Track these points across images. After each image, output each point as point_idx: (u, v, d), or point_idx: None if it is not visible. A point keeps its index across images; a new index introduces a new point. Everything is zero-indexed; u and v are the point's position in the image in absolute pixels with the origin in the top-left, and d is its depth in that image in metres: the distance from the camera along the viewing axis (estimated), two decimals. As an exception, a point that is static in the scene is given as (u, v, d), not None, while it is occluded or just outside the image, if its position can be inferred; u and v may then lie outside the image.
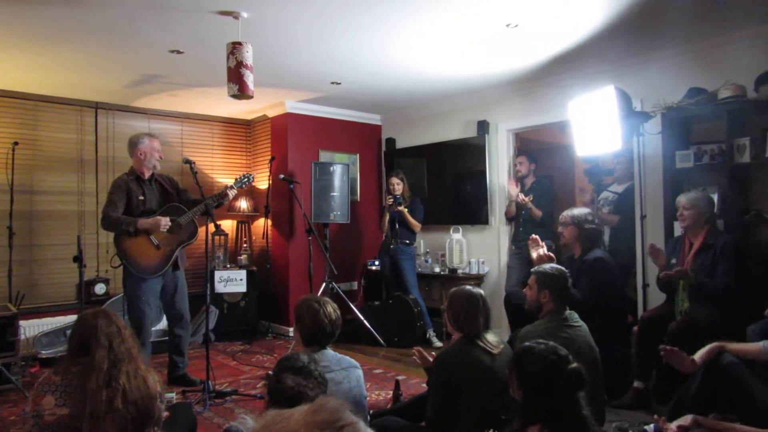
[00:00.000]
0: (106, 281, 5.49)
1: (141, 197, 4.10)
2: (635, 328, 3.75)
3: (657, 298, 3.95)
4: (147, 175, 4.19)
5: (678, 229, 3.85)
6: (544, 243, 3.81)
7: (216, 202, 4.14)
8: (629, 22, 3.68)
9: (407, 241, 5.65)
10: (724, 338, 2.79)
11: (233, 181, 4.38)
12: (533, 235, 3.88)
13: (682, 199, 3.60)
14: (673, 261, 3.68)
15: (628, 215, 4.51)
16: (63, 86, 5.14)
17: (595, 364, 2.67)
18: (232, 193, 4.26)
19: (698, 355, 2.62)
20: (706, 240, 3.49)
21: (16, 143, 5.01)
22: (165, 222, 4.00)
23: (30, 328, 4.95)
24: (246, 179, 4.43)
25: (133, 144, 4.18)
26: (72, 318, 5.05)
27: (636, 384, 3.56)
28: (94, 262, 5.53)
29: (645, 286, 4.11)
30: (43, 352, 4.88)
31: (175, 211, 4.12)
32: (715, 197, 3.76)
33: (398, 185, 5.68)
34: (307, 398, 1.73)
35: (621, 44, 4.14)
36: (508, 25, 3.75)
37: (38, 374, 4.54)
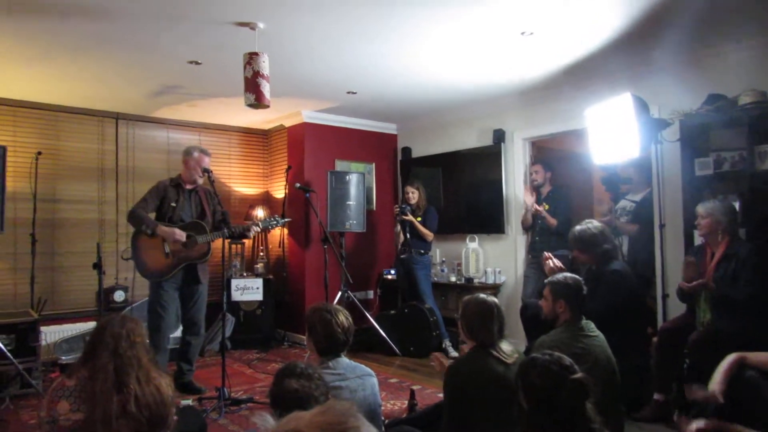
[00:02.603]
0: (125, 289, 5.56)
1: (173, 204, 4.21)
2: (655, 339, 3.69)
3: (677, 308, 3.88)
4: (188, 185, 4.29)
5: (698, 239, 3.78)
6: (558, 253, 3.77)
7: (238, 233, 4.21)
8: (645, 28, 3.66)
9: (421, 251, 5.63)
10: (747, 350, 2.72)
11: (262, 219, 4.39)
12: (545, 253, 3.82)
13: (700, 209, 3.54)
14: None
15: (646, 224, 4.45)
16: (85, 97, 5.25)
17: (613, 375, 2.63)
18: (255, 230, 4.31)
19: (718, 380, 2.52)
20: (728, 249, 3.41)
21: (39, 153, 5.14)
22: (180, 235, 4.07)
23: (51, 333, 5.02)
24: (275, 222, 4.43)
25: (185, 153, 4.32)
26: (91, 325, 5.13)
27: (656, 396, 3.49)
28: (113, 270, 5.60)
29: (665, 296, 4.05)
30: (63, 357, 4.95)
31: (197, 228, 4.20)
32: (737, 205, 3.69)
33: (413, 194, 5.68)
34: (314, 399, 1.73)
35: (637, 51, 4.11)
36: (523, 33, 3.74)
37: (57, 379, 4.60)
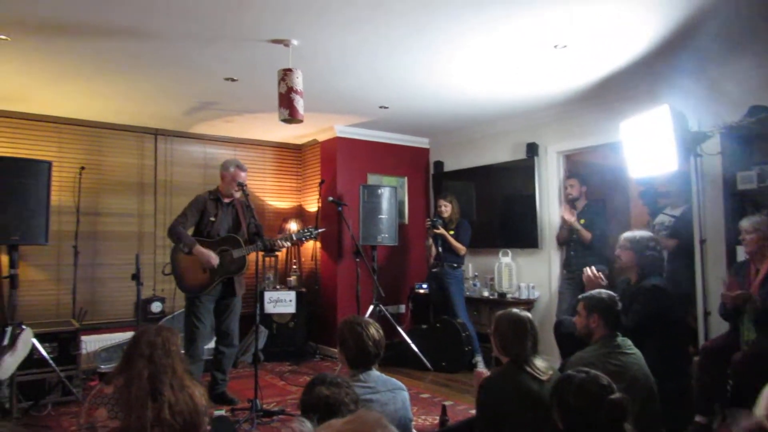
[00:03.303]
0: (162, 300, 5.68)
1: (212, 218, 4.32)
2: (696, 358, 3.57)
3: (720, 327, 3.75)
4: (226, 199, 4.39)
5: (741, 254, 3.66)
6: (597, 267, 3.69)
7: (271, 246, 4.27)
8: (682, 39, 3.59)
9: (453, 264, 5.58)
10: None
11: (297, 231, 4.44)
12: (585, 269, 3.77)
13: (745, 223, 3.42)
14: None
15: (686, 240, 4.32)
16: (126, 114, 5.43)
17: (651, 394, 2.56)
18: (286, 244, 4.38)
19: (764, 405, 2.42)
20: (775, 266, 3.29)
21: (82, 168, 5.34)
22: (214, 261, 4.16)
23: (91, 343, 5.15)
24: (308, 233, 4.48)
25: (223, 167, 4.42)
26: (129, 334, 5.25)
27: (698, 419, 3.36)
28: (151, 281, 5.74)
29: (706, 314, 3.92)
30: (102, 366, 5.07)
31: (232, 242, 4.28)
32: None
33: (446, 207, 5.66)
34: (345, 405, 1.73)
35: (674, 62, 4.03)
36: (556, 47, 3.72)
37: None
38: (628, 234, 3.74)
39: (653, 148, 3.83)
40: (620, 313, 2.78)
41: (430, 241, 5.75)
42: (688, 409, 3.43)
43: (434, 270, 5.67)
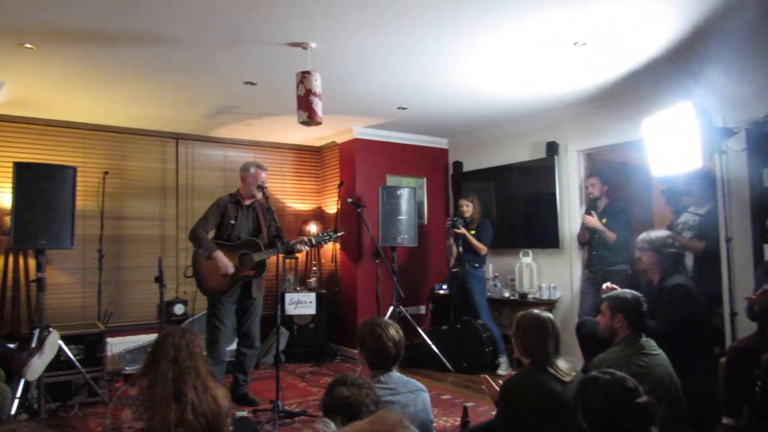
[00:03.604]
0: (184, 302, 5.75)
1: (233, 221, 4.36)
2: (722, 359, 3.49)
3: (747, 327, 3.67)
4: (247, 201, 4.43)
5: (768, 253, 3.58)
6: (617, 268, 3.66)
7: (291, 249, 4.31)
8: (705, 34, 3.53)
9: (475, 264, 5.54)
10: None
11: (316, 235, 4.46)
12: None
13: (771, 222, 3.36)
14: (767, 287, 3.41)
15: (712, 238, 4.24)
16: (148, 119, 5.52)
17: (677, 396, 2.51)
18: (305, 248, 4.41)
19: None
20: (802, 264, 3.22)
21: (106, 173, 5.44)
22: (229, 270, 4.21)
23: (116, 345, 5.23)
24: (328, 237, 4.51)
25: (242, 170, 4.47)
26: (153, 336, 5.32)
27: (725, 420, 3.29)
28: (174, 284, 5.81)
29: (733, 314, 3.83)
30: (127, 368, 5.14)
31: (252, 245, 4.32)
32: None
33: (467, 207, 5.62)
34: (365, 406, 1.73)
35: (697, 58, 3.96)
36: (575, 44, 3.68)
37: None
38: (644, 235, 3.69)
39: (677, 145, 3.76)
40: (645, 314, 2.74)
41: (451, 240, 5.72)
42: (715, 411, 3.36)
43: (455, 270, 5.64)
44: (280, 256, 4.13)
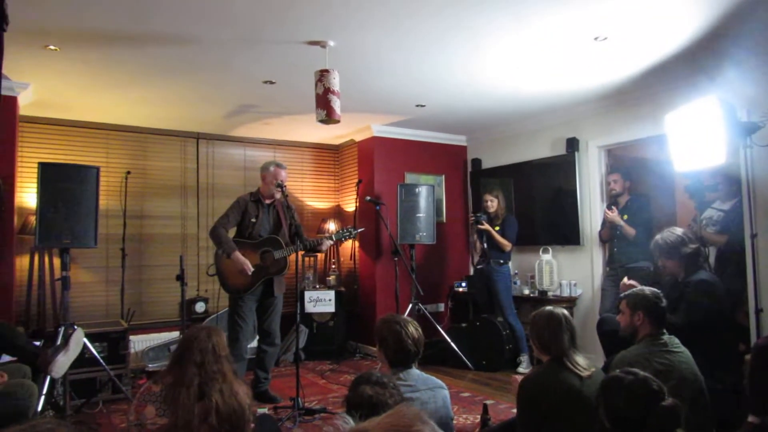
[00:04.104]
0: (205, 300, 5.82)
1: (253, 220, 4.41)
2: (747, 357, 3.43)
3: (773, 324, 3.60)
4: (267, 200, 4.48)
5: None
6: (639, 265, 3.60)
7: (311, 247, 4.36)
8: (728, 27, 3.45)
9: (500, 261, 5.46)
10: None
11: (336, 231, 4.47)
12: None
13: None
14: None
15: (737, 234, 4.16)
16: (168, 119, 5.58)
17: (701, 394, 2.48)
18: (328, 243, 4.44)
19: None
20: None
21: (128, 172, 5.52)
22: (248, 270, 4.24)
23: (138, 342, 5.32)
24: (347, 233, 4.52)
25: (262, 169, 4.53)
26: (175, 334, 5.40)
27: (751, 419, 3.22)
28: (195, 282, 5.88)
29: (758, 311, 3.76)
30: (149, 365, 5.22)
31: (273, 243, 4.36)
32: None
33: (492, 202, 5.56)
34: (387, 406, 1.73)
35: (720, 51, 3.88)
36: (596, 39, 3.63)
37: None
38: (654, 244, 3.64)
39: (700, 140, 3.70)
40: (665, 310, 2.70)
41: (475, 237, 5.66)
42: (740, 409, 3.30)
43: (479, 267, 5.58)
44: (300, 253, 4.16)
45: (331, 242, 4.48)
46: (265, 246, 4.35)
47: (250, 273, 4.26)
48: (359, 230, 4.83)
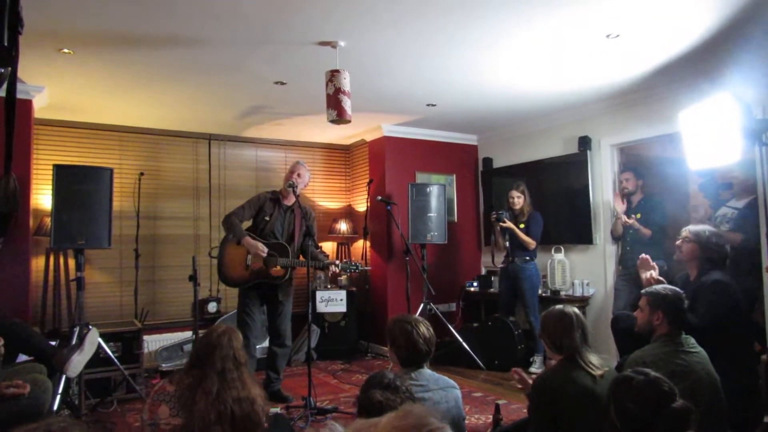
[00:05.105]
0: (218, 300, 5.86)
1: (267, 217, 4.41)
2: (764, 357, 3.39)
3: (790, 324, 3.55)
4: (287, 201, 4.48)
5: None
6: (655, 264, 3.55)
7: (320, 265, 4.34)
8: (742, 24, 3.42)
9: (526, 258, 5.34)
10: None
11: (342, 262, 4.44)
12: (643, 255, 3.62)
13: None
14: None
15: (751, 233, 4.11)
16: (181, 121, 5.62)
17: (717, 395, 2.44)
18: (333, 269, 4.38)
19: None
20: None
21: (141, 174, 5.56)
22: (261, 250, 4.23)
23: (152, 342, 5.37)
24: (353, 267, 4.46)
25: (290, 169, 4.56)
26: (188, 334, 5.44)
27: (767, 419, 3.20)
28: (208, 282, 5.91)
29: (775, 310, 3.71)
30: (163, 365, 5.26)
31: (281, 250, 4.34)
32: None
33: (518, 198, 5.43)
34: None
35: (734, 49, 3.83)
36: (608, 36, 3.61)
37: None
38: (692, 227, 3.58)
39: (715, 137, 3.65)
40: (685, 312, 2.67)
41: (495, 235, 5.54)
42: (756, 410, 3.26)
43: (502, 266, 5.47)
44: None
45: (336, 269, 4.40)
46: (273, 250, 4.35)
47: (264, 254, 4.24)
48: (365, 269, 4.81)
